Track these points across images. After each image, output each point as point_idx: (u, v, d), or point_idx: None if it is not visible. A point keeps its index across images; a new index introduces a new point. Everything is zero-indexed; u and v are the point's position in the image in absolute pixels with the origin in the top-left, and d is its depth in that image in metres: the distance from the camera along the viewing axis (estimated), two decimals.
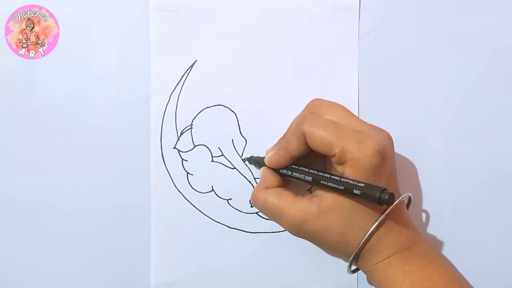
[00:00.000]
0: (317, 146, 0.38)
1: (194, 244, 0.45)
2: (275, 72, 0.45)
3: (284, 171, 0.41)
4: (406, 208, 0.41)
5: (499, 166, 0.45)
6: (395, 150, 0.40)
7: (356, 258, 0.39)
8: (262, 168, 0.43)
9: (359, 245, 0.37)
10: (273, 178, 0.41)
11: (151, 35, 0.45)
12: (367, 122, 0.39)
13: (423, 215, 0.46)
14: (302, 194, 0.40)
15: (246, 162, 0.45)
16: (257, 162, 0.44)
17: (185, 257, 0.45)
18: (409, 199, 0.42)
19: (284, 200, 0.39)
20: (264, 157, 0.42)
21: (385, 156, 0.37)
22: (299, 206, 0.38)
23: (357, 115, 0.44)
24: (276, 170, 0.42)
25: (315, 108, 0.41)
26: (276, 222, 0.40)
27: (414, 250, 0.38)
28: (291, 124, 0.43)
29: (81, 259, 0.46)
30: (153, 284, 0.45)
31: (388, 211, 0.37)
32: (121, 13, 0.45)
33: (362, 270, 0.40)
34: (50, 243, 0.45)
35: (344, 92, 0.45)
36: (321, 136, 0.37)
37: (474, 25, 0.45)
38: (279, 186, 0.41)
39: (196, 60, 0.45)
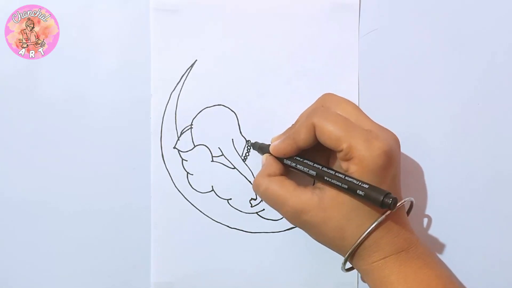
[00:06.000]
0: (325, 139, 0.38)
1: (194, 244, 0.45)
2: (275, 72, 0.45)
3: (288, 162, 0.41)
4: (405, 211, 0.41)
5: (500, 165, 0.45)
6: None
7: (352, 256, 0.39)
8: (265, 155, 0.42)
9: (356, 243, 0.38)
10: (276, 166, 0.41)
11: (151, 35, 0.45)
12: (376, 122, 0.39)
13: (424, 214, 0.46)
14: (304, 184, 0.40)
15: (246, 162, 0.45)
16: (261, 148, 0.43)
17: (185, 257, 0.45)
18: (411, 203, 0.41)
19: (286, 189, 0.39)
20: (269, 144, 0.42)
21: (391, 157, 0.37)
22: (301, 196, 0.38)
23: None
24: (279, 158, 0.42)
25: (326, 102, 0.41)
26: (276, 210, 0.40)
27: (411, 252, 0.38)
28: (301, 116, 0.43)
29: (81, 259, 0.46)
30: (153, 284, 0.45)
31: (388, 212, 0.37)
32: (121, 13, 0.45)
33: (357, 269, 0.40)
34: (50, 243, 0.45)
35: (344, 92, 0.45)
36: (330, 130, 0.37)
37: (474, 25, 0.45)
38: (282, 174, 0.41)
39: (196, 60, 0.45)
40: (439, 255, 0.45)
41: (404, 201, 0.39)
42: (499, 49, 0.45)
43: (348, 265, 0.40)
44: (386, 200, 0.35)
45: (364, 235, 0.37)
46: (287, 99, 0.45)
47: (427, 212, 0.46)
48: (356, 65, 0.45)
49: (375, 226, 0.37)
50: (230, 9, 0.45)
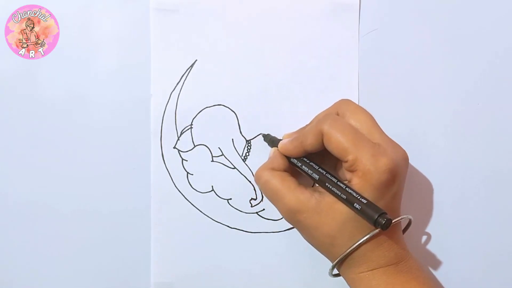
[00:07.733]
0: (332, 148, 0.38)
1: (194, 244, 0.45)
2: (275, 72, 0.45)
3: (294, 161, 0.41)
4: (400, 226, 0.40)
5: (499, 166, 0.45)
6: None
7: (340, 264, 0.39)
8: (273, 149, 0.42)
9: (344, 253, 0.38)
10: (280, 161, 0.41)
11: (151, 35, 0.45)
12: (389, 136, 0.39)
13: (422, 214, 0.46)
14: (306, 184, 0.40)
15: (246, 162, 0.45)
16: (272, 141, 0.43)
17: (185, 257, 0.45)
18: (409, 221, 0.41)
19: (286, 185, 0.39)
20: (280, 139, 0.42)
21: (395, 175, 0.37)
22: (299, 196, 0.38)
23: None
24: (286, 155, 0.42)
25: (341, 109, 0.40)
26: (273, 204, 0.40)
27: (400, 266, 0.38)
28: (314, 119, 0.42)
29: (81, 260, 0.45)
30: (153, 284, 0.45)
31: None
32: (121, 13, 0.45)
33: (343, 277, 0.40)
34: (50, 243, 0.45)
35: (344, 92, 0.45)
36: (338, 140, 0.37)
37: (474, 25, 0.45)
38: (285, 170, 0.41)
39: (196, 60, 0.45)
40: (439, 257, 0.46)
41: (401, 218, 0.38)
42: (499, 49, 0.45)
43: (336, 271, 0.40)
44: (380, 219, 0.35)
45: (353, 247, 0.37)
46: (287, 99, 0.45)
47: (426, 212, 0.46)
48: (356, 65, 0.45)
49: (365, 239, 0.37)
50: (230, 9, 0.45)
